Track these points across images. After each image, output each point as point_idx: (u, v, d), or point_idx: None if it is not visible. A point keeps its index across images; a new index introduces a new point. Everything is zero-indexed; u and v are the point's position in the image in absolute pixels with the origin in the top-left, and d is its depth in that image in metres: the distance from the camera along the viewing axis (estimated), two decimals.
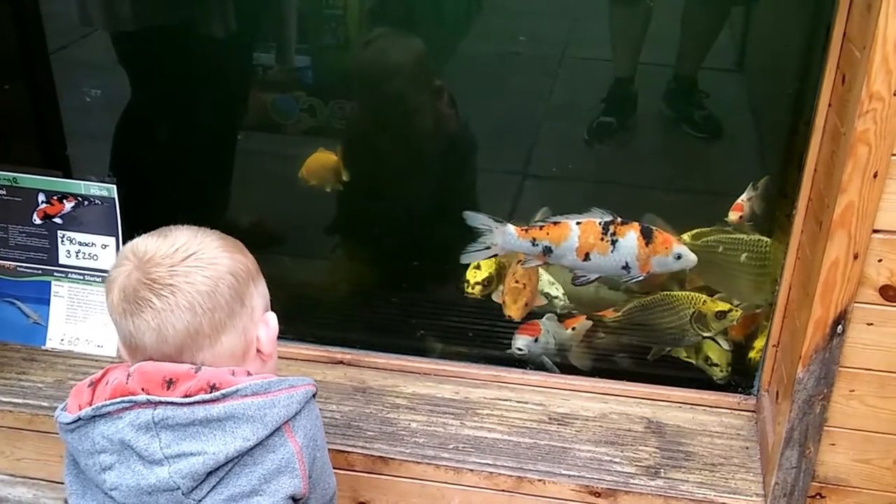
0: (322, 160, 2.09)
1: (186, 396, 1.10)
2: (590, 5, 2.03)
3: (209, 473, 1.11)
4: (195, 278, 1.13)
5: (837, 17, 1.44)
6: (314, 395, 1.23)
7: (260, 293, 1.21)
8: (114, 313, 1.16)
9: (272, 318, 1.23)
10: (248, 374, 1.17)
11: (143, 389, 1.11)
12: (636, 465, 1.66)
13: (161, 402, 1.10)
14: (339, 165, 2.07)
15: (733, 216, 1.90)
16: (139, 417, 1.10)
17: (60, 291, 1.95)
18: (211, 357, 1.15)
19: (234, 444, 1.11)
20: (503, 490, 1.65)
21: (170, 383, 1.11)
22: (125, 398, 1.11)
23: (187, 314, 1.12)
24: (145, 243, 1.17)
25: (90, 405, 1.13)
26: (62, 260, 1.94)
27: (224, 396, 1.11)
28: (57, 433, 1.73)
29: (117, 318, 1.15)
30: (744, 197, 1.89)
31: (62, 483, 1.78)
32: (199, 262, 1.14)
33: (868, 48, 1.26)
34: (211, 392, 1.11)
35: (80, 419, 1.12)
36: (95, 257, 1.92)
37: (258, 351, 1.22)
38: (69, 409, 1.15)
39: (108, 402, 1.11)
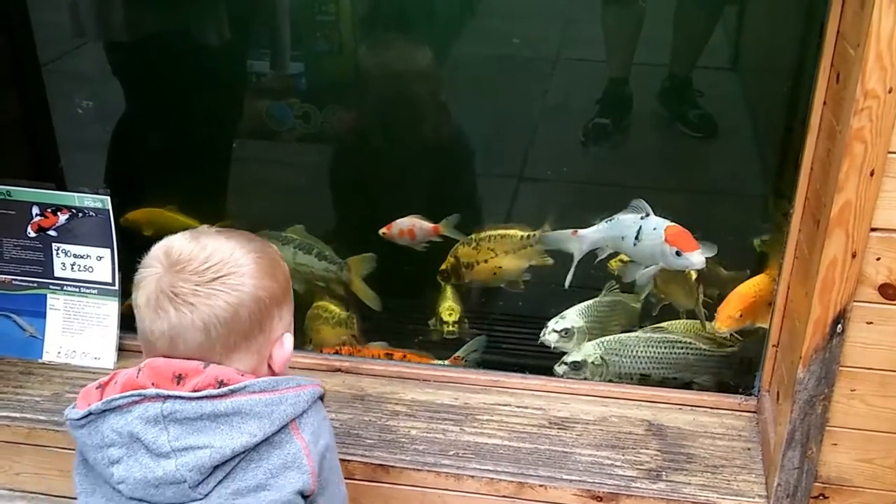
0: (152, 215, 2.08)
1: (195, 391, 1.11)
2: (583, 7, 2.02)
3: (216, 467, 1.12)
4: (216, 302, 1.13)
5: (831, 15, 1.44)
6: (322, 398, 1.23)
7: (282, 318, 1.21)
8: (135, 308, 1.17)
9: (288, 340, 1.23)
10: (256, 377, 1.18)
11: (152, 384, 1.12)
12: (638, 469, 1.66)
13: (170, 396, 1.11)
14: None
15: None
16: (148, 411, 1.11)
17: (56, 304, 1.95)
18: (223, 362, 1.17)
19: (241, 440, 1.12)
20: (504, 496, 1.64)
21: (179, 378, 1.12)
22: (135, 392, 1.12)
23: (201, 334, 1.13)
24: (181, 248, 1.16)
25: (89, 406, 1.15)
26: (57, 272, 1.93)
27: (232, 392, 1.12)
28: (55, 447, 1.75)
29: (138, 314, 1.17)
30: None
31: (61, 497, 1.80)
32: (224, 286, 1.13)
33: (862, 46, 1.26)
34: (219, 388, 1.12)
35: (91, 413, 1.14)
36: (91, 269, 1.91)
37: (269, 366, 1.22)
38: (78, 408, 1.17)
39: (118, 396, 1.12)
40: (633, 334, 1.92)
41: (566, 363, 1.88)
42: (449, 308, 2.05)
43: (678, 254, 1.71)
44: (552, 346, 1.91)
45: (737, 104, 2.03)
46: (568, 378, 1.88)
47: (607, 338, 1.90)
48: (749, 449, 1.70)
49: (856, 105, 1.27)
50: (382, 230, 1.97)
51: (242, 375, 1.15)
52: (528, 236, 1.96)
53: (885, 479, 1.51)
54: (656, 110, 2.05)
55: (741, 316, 1.79)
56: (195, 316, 1.12)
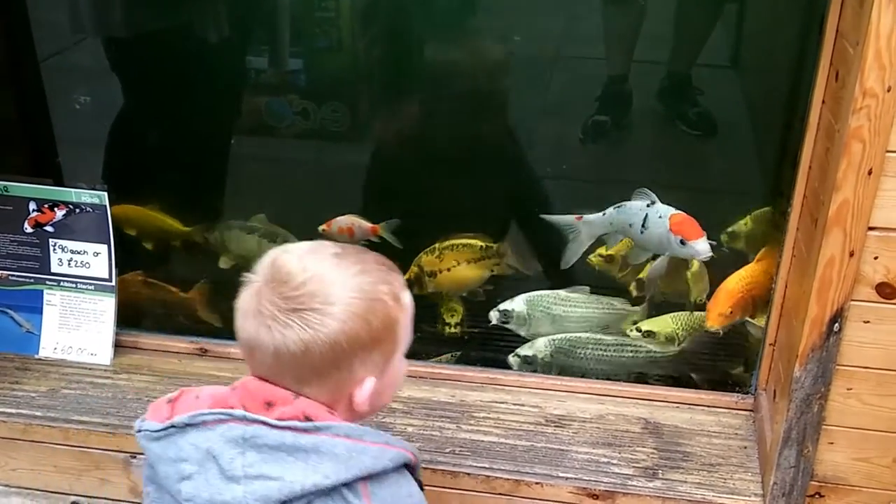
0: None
1: (280, 420, 1.08)
2: (583, 4, 2.02)
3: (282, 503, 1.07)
4: (289, 334, 1.08)
5: (830, 13, 1.43)
6: (410, 467, 1.15)
7: (367, 362, 1.12)
8: (235, 306, 1.14)
9: (370, 383, 1.14)
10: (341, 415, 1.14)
11: (243, 406, 1.09)
12: (634, 467, 1.65)
13: (255, 421, 1.07)
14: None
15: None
16: (231, 431, 1.08)
17: (53, 300, 1.94)
18: (297, 390, 1.13)
19: (313, 478, 1.06)
20: (501, 493, 1.63)
21: (269, 405, 1.09)
22: (224, 410, 1.09)
23: (272, 358, 1.09)
24: (285, 264, 1.10)
25: (169, 419, 1.11)
26: (54, 268, 1.93)
27: (316, 429, 1.08)
28: (51, 443, 1.75)
29: (235, 313, 1.13)
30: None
31: (56, 493, 1.80)
32: (302, 321, 1.07)
33: (861, 44, 1.25)
34: (304, 421, 1.08)
35: (172, 426, 1.10)
36: (88, 265, 1.91)
37: (350, 402, 1.16)
38: (150, 419, 1.13)
39: (206, 412, 1.09)
40: (584, 335, 1.93)
41: (518, 355, 1.92)
42: (451, 309, 2.07)
43: (682, 242, 1.70)
44: (493, 322, 1.96)
45: (736, 102, 2.03)
46: (561, 377, 1.89)
47: (560, 336, 1.94)
48: (745, 447, 1.70)
49: (854, 104, 1.27)
50: (322, 227, 2.00)
51: (332, 415, 1.11)
52: (488, 247, 1.99)
53: (882, 478, 1.51)
54: (655, 108, 2.04)
55: (731, 312, 1.79)
56: (268, 339, 1.08)
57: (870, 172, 1.30)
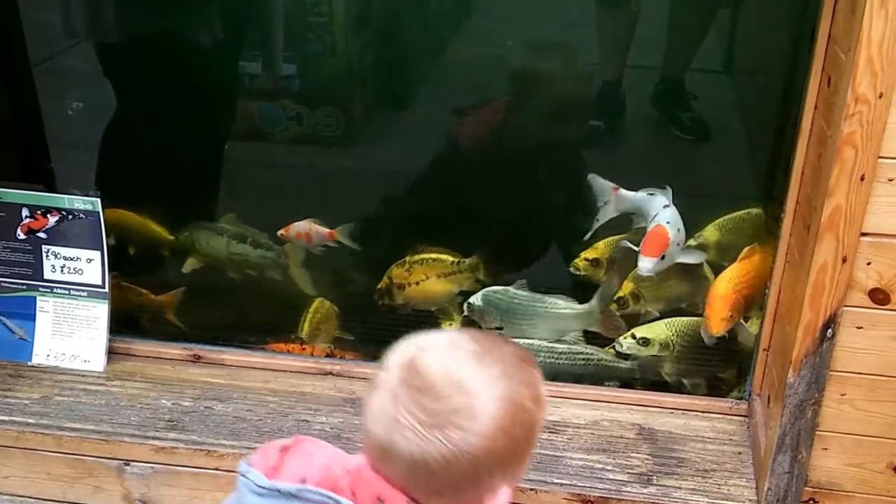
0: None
1: None
2: (576, 9, 2.02)
3: None
4: (430, 450, 1.00)
5: (822, 19, 1.44)
6: None
7: (508, 470, 1.06)
8: (365, 400, 1.07)
9: (505, 494, 1.08)
10: None
11: (352, 493, 1.04)
12: (628, 473, 1.65)
13: None
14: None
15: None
16: None
17: (46, 307, 1.94)
18: (420, 499, 1.06)
19: None
20: None
21: (379, 501, 1.03)
22: (332, 495, 1.03)
23: (406, 468, 1.02)
24: (428, 367, 1.02)
25: (276, 470, 1.07)
26: (47, 275, 1.92)
27: None
28: (43, 450, 1.74)
29: (366, 407, 1.06)
30: None
31: (48, 500, 1.79)
32: (445, 438, 0.99)
33: (853, 50, 1.25)
34: None
35: (278, 490, 1.05)
36: (81, 272, 1.91)
37: None
38: (255, 464, 1.08)
39: (313, 490, 1.04)
40: (536, 341, 1.92)
41: None
42: (449, 316, 2.06)
43: (638, 252, 1.74)
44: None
45: (729, 107, 2.03)
46: (555, 382, 1.88)
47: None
48: (740, 453, 1.70)
49: (846, 110, 1.27)
50: (280, 231, 2.03)
51: None
52: (459, 262, 1.99)
53: (875, 484, 1.51)
54: (649, 113, 2.04)
55: (731, 316, 1.79)
56: (407, 453, 1.01)
57: (862, 178, 1.30)
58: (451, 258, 2.00)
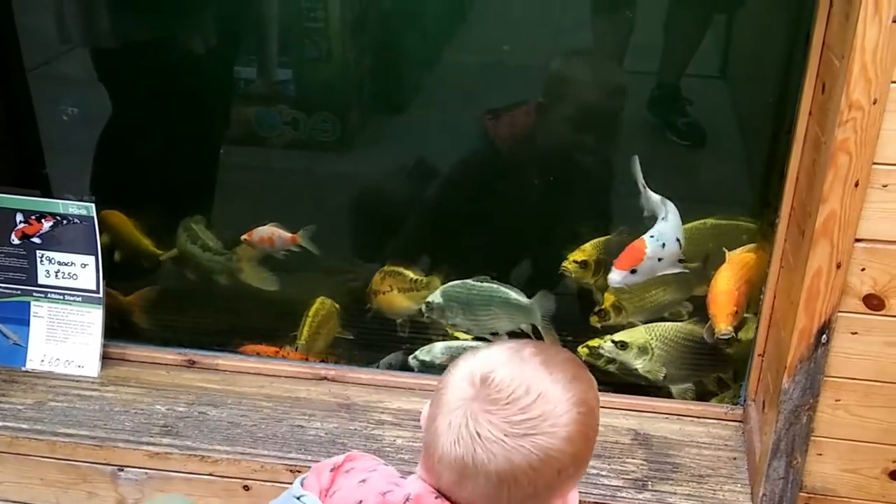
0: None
1: None
2: (572, 15, 2.02)
3: None
4: (520, 462, 1.00)
5: (817, 26, 1.44)
6: None
7: (578, 476, 1.08)
8: (431, 421, 1.07)
9: (574, 497, 1.09)
10: None
11: None
12: (623, 478, 1.65)
13: None
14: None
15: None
16: None
17: (40, 312, 1.93)
18: None
19: None
20: None
21: None
22: None
23: (493, 488, 1.01)
24: (502, 381, 1.02)
25: (327, 491, 1.07)
26: (41, 280, 1.92)
27: None
28: (37, 456, 1.74)
29: (433, 430, 1.06)
30: None
31: None
32: (534, 447, 1.00)
33: (847, 57, 1.26)
34: None
35: None
36: (75, 277, 1.90)
37: None
38: (308, 485, 1.09)
39: None
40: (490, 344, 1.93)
41: (417, 359, 1.95)
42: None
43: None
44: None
45: (725, 113, 2.04)
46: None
47: (457, 343, 1.96)
48: (735, 458, 1.70)
49: (840, 116, 1.27)
50: (244, 236, 2.03)
51: None
52: (418, 280, 2.01)
53: (870, 489, 1.51)
54: (645, 118, 2.04)
55: (737, 311, 1.78)
56: (492, 468, 1.00)
57: (856, 184, 1.30)
58: (411, 275, 2.01)
